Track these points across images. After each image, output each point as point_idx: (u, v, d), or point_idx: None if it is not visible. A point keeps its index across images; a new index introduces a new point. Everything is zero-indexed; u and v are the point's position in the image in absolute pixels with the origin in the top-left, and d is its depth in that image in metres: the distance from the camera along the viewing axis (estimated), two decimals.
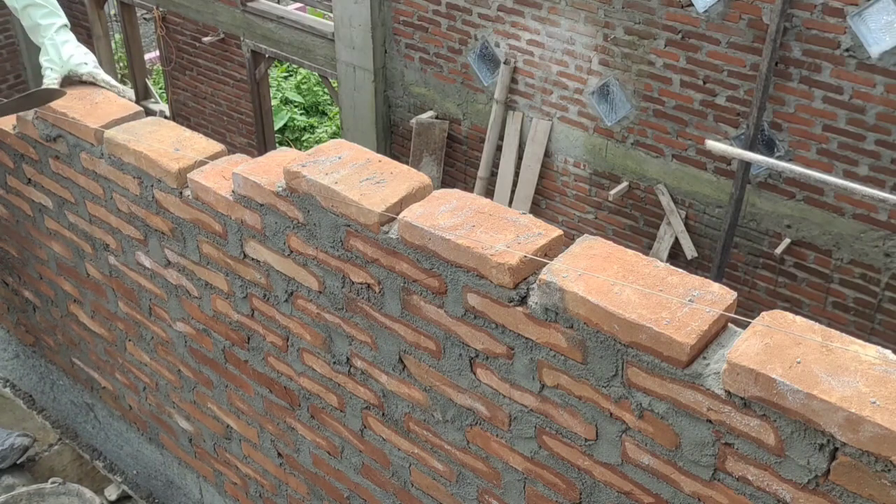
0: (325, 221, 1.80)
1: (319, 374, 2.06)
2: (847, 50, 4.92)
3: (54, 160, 2.41)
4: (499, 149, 6.70)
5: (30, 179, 2.55)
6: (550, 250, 1.59)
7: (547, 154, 6.52)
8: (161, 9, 8.55)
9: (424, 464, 1.95)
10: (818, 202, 5.38)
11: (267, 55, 8.05)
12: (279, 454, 2.34)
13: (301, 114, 11.54)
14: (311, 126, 11.42)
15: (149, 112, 2.37)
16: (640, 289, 1.45)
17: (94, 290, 2.61)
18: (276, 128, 10.00)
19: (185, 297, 2.29)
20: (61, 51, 2.50)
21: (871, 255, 5.28)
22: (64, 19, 2.59)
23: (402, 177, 1.79)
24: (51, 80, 2.49)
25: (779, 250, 5.56)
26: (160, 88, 10.33)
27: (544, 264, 1.55)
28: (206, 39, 8.30)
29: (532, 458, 1.71)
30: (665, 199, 5.99)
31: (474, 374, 1.71)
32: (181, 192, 2.09)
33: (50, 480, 2.85)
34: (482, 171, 6.79)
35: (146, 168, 2.13)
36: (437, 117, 7.05)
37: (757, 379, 1.29)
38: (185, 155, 2.10)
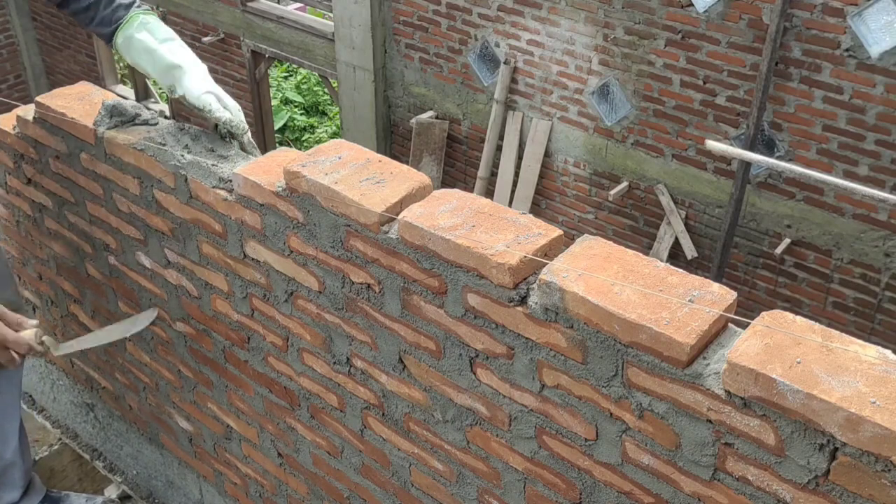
0: (325, 221, 1.80)
1: (319, 374, 2.06)
2: (847, 50, 4.92)
3: (54, 160, 2.41)
4: (499, 149, 6.69)
5: (30, 179, 2.55)
6: (550, 250, 1.59)
7: (547, 154, 6.52)
8: (161, 9, 8.54)
9: (424, 464, 1.95)
10: (818, 202, 5.38)
11: (267, 55, 8.05)
12: (279, 454, 2.34)
13: (301, 114, 11.54)
14: (311, 126, 11.42)
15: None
16: (640, 289, 1.45)
17: (94, 290, 2.61)
18: (276, 128, 9.99)
19: (185, 297, 2.29)
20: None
21: (871, 255, 5.28)
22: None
23: (402, 177, 1.79)
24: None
25: (779, 250, 5.56)
26: (160, 88, 10.32)
27: (544, 264, 1.55)
28: (206, 39, 8.30)
29: (532, 458, 1.71)
30: (665, 199, 5.99)
31: (474, 374, 1.71)
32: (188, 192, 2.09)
33: None
34: (482, 171, 6.78)
35: (146, 168, 2.13)
36: (437, 117, 7.05)
37: (757, 379, 1.29)
38: None
